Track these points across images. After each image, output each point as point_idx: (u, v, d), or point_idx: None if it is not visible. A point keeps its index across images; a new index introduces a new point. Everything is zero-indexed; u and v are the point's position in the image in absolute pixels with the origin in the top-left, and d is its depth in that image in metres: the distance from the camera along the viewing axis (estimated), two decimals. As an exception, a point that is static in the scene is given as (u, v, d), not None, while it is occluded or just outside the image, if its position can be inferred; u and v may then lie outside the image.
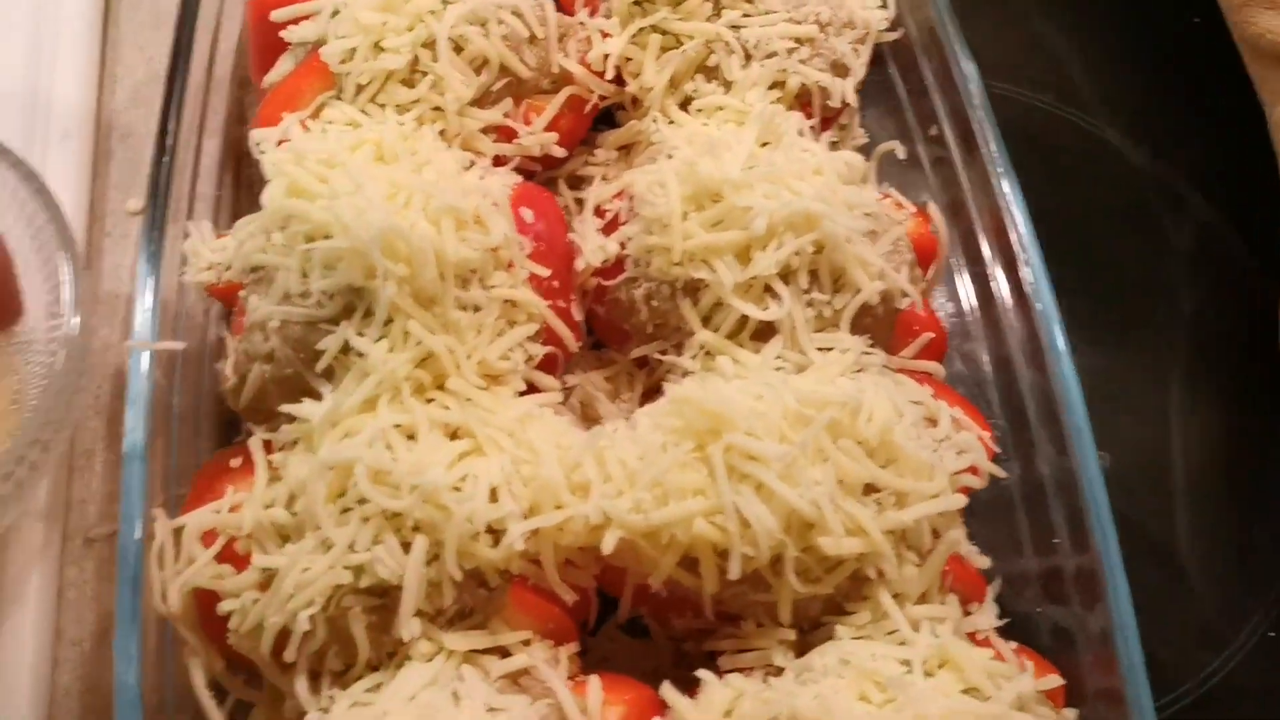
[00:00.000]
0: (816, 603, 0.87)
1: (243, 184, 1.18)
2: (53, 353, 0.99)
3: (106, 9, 1.35)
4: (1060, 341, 0.97)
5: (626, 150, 1.14)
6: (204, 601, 0.87)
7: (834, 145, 1.13)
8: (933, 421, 0.93)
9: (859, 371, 0.93)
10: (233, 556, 0.86)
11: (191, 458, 0.99)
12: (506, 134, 1.06)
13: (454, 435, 0.88)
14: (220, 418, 1.03)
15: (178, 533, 0.87)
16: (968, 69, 1.11)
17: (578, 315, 0.99)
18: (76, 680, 1.02)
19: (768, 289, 0.94)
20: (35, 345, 1.03)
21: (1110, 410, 1.12)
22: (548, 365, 0.97)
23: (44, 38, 1.28)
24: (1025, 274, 1.01)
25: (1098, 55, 1.43)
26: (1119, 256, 1.29)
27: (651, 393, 1.02)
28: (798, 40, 1.08)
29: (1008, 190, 1.05)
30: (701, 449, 0.85)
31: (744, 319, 0.94)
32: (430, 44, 1.01)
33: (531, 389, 0.96)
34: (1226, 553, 1.17)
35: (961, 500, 0.88)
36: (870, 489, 0.85)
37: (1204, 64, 1.42)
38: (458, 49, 1.02)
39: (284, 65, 1.08)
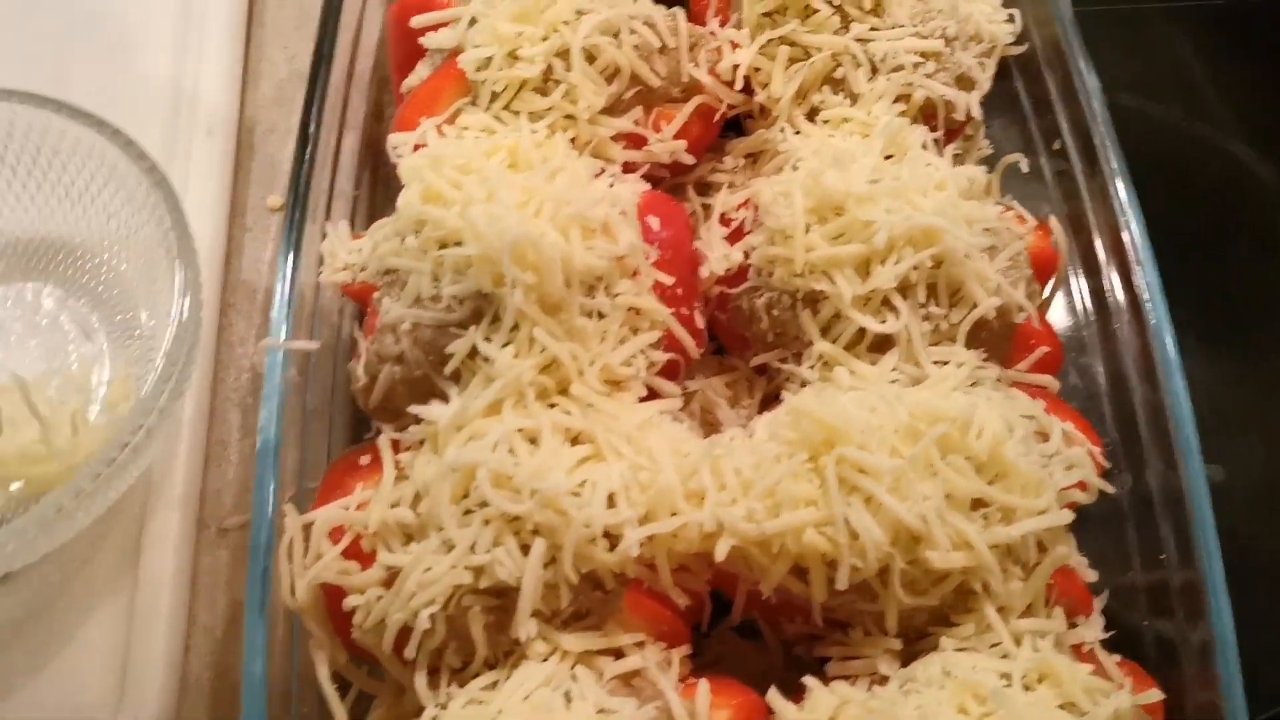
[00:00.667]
0: (922, 613, 0.88)
1: (379, 181, 1.21)
2: (168, 337, 1.02)
3: (251, 9, 1.40)
4: (1172, 354, 0.98)
5: (753, 158, 1.15)
6: (330, 595, 0.90)
7: (958, 157, 1.14)
8: (1044, 436, 0.93)
9: (973, 385, 0.94)
10: (358, 552, 0.89)
11: (322, 452, 1.03)
12: (636, 141, 1.08)
13: (575, 440, 0.90)
14: (351, 413, 1.06)
15: (307, 528, 0.91)
16: (1090, 82, 1.12)
17: (700, 323, 1.01)
18: (206, 668, 1.06)
19: (886, 302, 0.95)
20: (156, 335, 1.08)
21: (1227, 425, 1.13)
22: (669, 371, 0.99)
23: (190, 37, 1.33)
24: (1140, 286, 1.02)
25: (1226, 68, 1.41)
26: (1242, 271, 1.28)
27: (770, 400, 1.04)
28: (924, 55, 1.09)
29: (1126, 203, 1.05)
30: (815, 460, 0.87)
31: (862, 331, 0.96)
32: (564, 53, 1.03)
33: (652, 395, 0.98)
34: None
35: (1068, 516, 0.88)
36: (979, 503, 0.86)
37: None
38: (590, 58, 1.04)
39: (422, 70, 1.12)
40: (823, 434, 0.87)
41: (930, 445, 0.84)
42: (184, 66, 1.31)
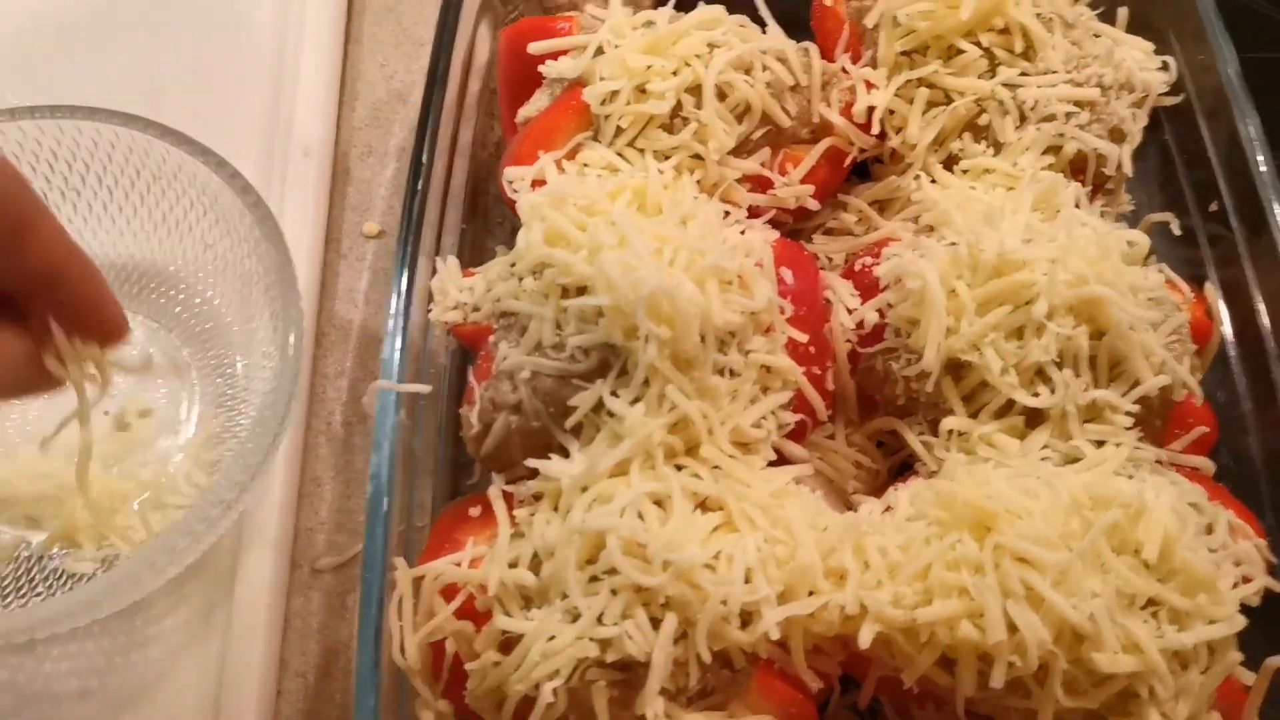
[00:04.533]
0: (1077, 714, 0.81)
1: (479, 212, 1.16)
2: (267, 385, 0.98)
3: (349, 27, 1.35)
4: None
5: (879, 205, 1.09)
6: (438, 654, 0.85)
7: (1102, 213, 1.08)
8: (1209, 527, 0.87)
9: (1134, 466, 0.87)
10: (472, 611, 0.84)
11: (427, 492, 0.98)
12: (762, 183, 1.02)
13: (705, 505, 0.85)
14: (453, 456, 1.01)
15: (417, 582, 0.86)
16: (1258, 139, 1.04)
17: (830, 384, 0.95)
18: (298, 713, 1.01)
19: (1040, 373, 0.89)
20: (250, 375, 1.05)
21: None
22: (797, 434, 0.93)
23: (287, 56, 1.28)
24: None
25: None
26: None
27: (899, 469, 0.98)
28: (1078, 104, 1.02)
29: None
30: (968, 544, 0.80)
31: (1010, 402, 0.89)
32: (695, 89, 0.98)
33: (780, 456, 0.92)
34: None
35: (1243, 622, 0.81)
36: (1149, 602, 0.80)
37: None
38: (722, 95, 0.99)
39: (539, 100, 1.06)
40: (977, 516, 0.81)
41: (1099, 536, 0.78)
42: (280, 86, 1.26)
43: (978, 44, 1.03)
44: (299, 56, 1.28)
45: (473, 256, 1.12)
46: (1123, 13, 1.16)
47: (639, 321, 0.82)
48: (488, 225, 1.17)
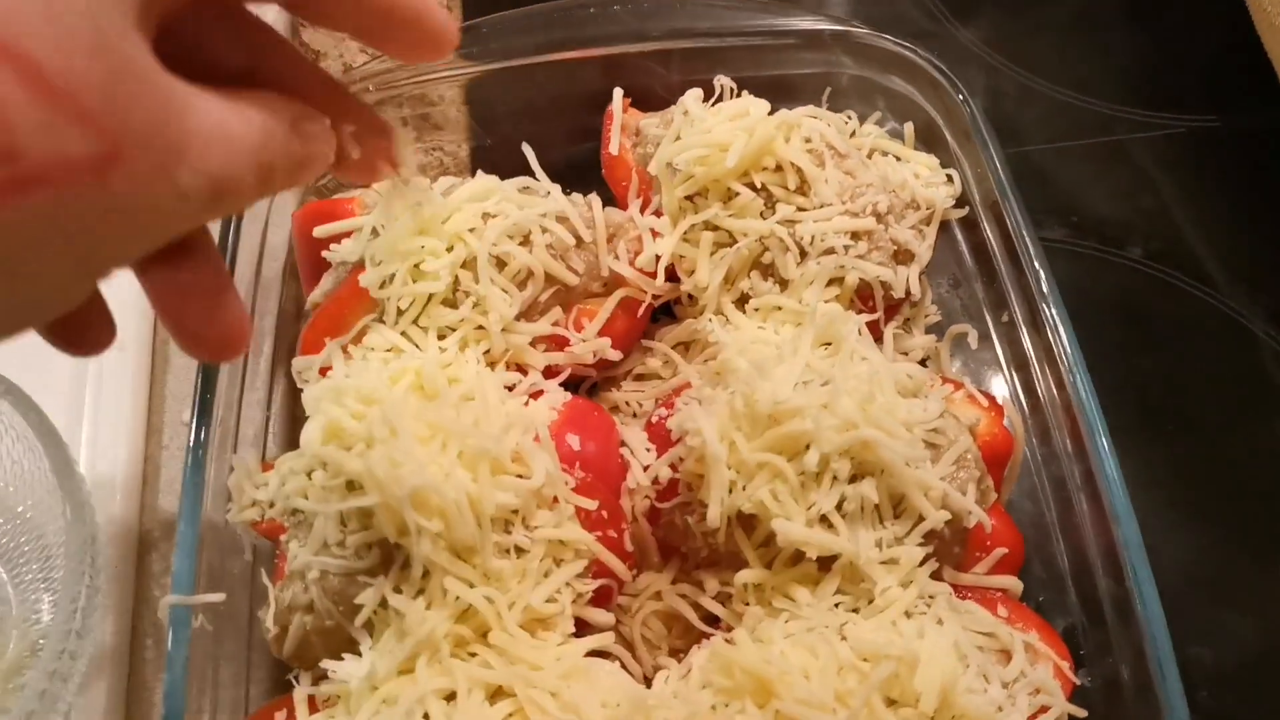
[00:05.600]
0: None
1: (290, 384, 1.14)
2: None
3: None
4: (1135, 539, 0.91)
5: (684, 347, 1.10)
6: None
7: (905, 327, 1.09)
8: (1007, 654, 0.87)
9: (927, 603, 0.88)
10: (279, 825, 0.83)
11: (240, 694, 0.96)
12: (558, 342, 1.02)
13: (497, 691, 0.84)
14: (267, 654, 0.99)
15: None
16: (1033, 249, 1.05)
17: (629, 545, 0.94)
18: None
19: (824, 519, 0.88)
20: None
21: (1214, 600, 1.06)
22: (603, 597, 0.92)
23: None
24: (1096, 468, 0.95)
25: (1211, 214, 1.34)
26: (1232, 429, 1.18)
27: (710, 619, 0.97)
28: (855, 235, 1.03)
29: (1079, 383, 0.98)
30: (751, 712, 0.80)
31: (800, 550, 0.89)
32: (470, 263, 0.98)
33: (584, 624, 0.92)
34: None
35: (1028, 763, 0.81)
36: (931, 749, 0.79)
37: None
38: (501, 264, 0.99)
39: (326, 283, 1.06)
40: (757, 683, 0.80)
41: (873, 693, 0.78)
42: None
43: (752, 185, 1.04)
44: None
45: (293, 431, 1.11)
46: (907, 129, 1.18)
47: (408, 517, 0.82)
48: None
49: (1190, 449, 1.16)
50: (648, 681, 0.93)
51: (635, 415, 1.08)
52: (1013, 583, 0.95)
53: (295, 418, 1.12)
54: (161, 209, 0.53)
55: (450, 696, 0.83)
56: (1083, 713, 0.87)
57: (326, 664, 0.86)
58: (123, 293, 1.18)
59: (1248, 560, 1.10)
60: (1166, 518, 1.10)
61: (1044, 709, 0.85)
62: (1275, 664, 1.04)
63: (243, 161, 0.57)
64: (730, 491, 0.90)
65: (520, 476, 0.88)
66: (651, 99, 1.21)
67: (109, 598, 1.06)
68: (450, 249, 0.98)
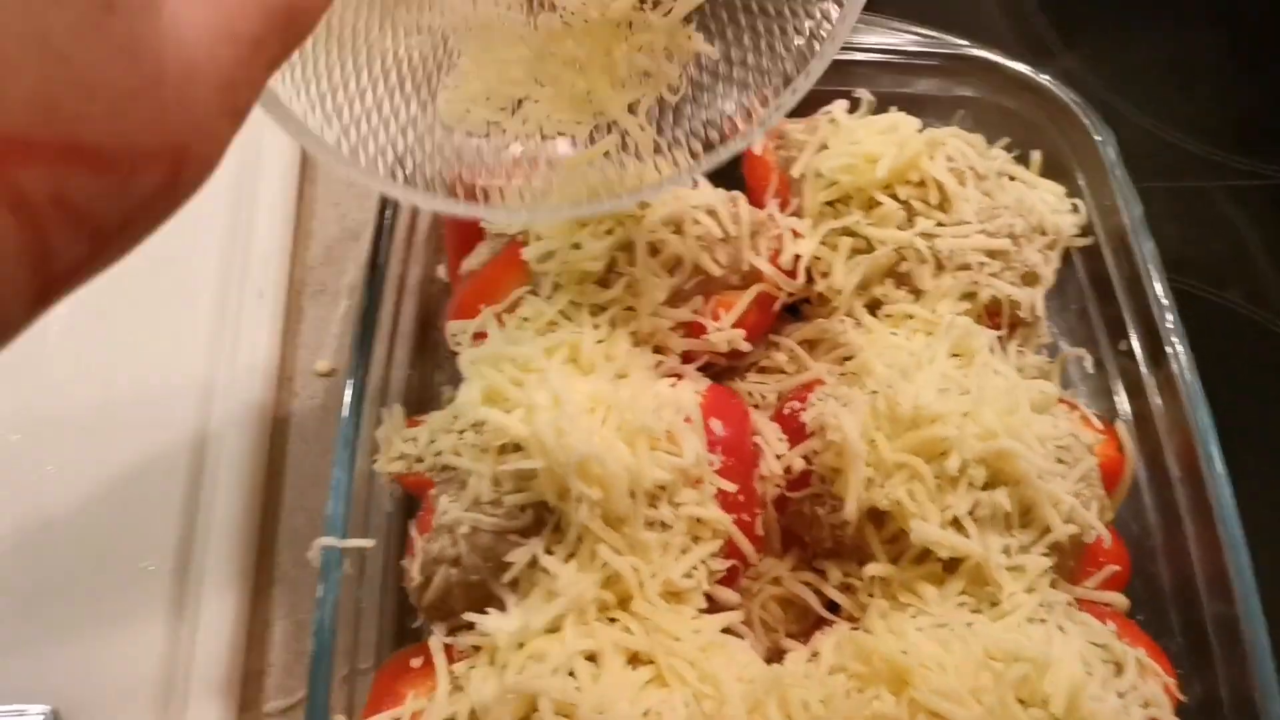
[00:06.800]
0: None
1: (427, 347, 1.19)
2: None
3: (303, 167, 1.38)
4: (1247, 572, 0.95)
5: (810, 344, 1.14)
6: (381, 808, 0.88)
7: (1020, 349, 1.12)
8: (1118, 666, 0.91)
9: (1048, 610, 0.92)
10: (412, 765, 0.87)
11: (372, 631, 1.01)
12: (695, 329, 1.06)
13: (635, 658, 0.88)
14: (399, 600, 1.03)
15: (357, 739, 0.89)
16: (1159, 282, 1.10)
17: (760, 529, 0.99)
18: None
19: (955, 522, 0.93)
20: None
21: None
22: (729, 578, 0.97)
23: (243, 196, 1.31)
24: (1212, 494, 0.99)
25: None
26: None
27: (831, 606, 1.01)
28: (990, 253, 1.07)
29: (1198, 410, 1.03)
30: (886, 699, 0.84)
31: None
32: (627, 246, 1.02)
33: (712, 601, 0.96)
34: None
35: (1147, 770, 0.86)
36: (1057, 750, 0.84)
37: None
38: (654, 251, 1.03)
39: (482, 252, 1.10)
40: (893, 671, 0.85)
41: (1008, 691, 0.82)
42: (236, 226, 1.29)
43: (895, 197, 1.08)
44: (255, 199, 1.31)
45: (420, 393, 1.15)
46: (1035, 156, 1.22)
47: (571, 484, 0.87)
48: (437, 360, 1.20)
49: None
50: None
51: (757, 406, 1.12)
52: (1119, 599, 1.00)
53: (422, 377, 1.17)
54: (227, 138, 0.55)
55: (591, 658, 0.87)
56: (1187, 733, 0.91)
57: (471, 617, 0.90)
58: (262, 244, 1.27)
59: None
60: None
61: (1154, 722, 0.89)
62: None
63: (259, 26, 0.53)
64: (867, 488, 0.94)
65: (670, 454, 0.92)
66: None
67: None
68: (610, 231, 1.02)
